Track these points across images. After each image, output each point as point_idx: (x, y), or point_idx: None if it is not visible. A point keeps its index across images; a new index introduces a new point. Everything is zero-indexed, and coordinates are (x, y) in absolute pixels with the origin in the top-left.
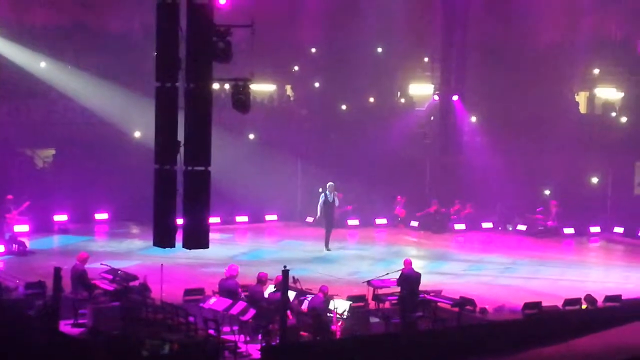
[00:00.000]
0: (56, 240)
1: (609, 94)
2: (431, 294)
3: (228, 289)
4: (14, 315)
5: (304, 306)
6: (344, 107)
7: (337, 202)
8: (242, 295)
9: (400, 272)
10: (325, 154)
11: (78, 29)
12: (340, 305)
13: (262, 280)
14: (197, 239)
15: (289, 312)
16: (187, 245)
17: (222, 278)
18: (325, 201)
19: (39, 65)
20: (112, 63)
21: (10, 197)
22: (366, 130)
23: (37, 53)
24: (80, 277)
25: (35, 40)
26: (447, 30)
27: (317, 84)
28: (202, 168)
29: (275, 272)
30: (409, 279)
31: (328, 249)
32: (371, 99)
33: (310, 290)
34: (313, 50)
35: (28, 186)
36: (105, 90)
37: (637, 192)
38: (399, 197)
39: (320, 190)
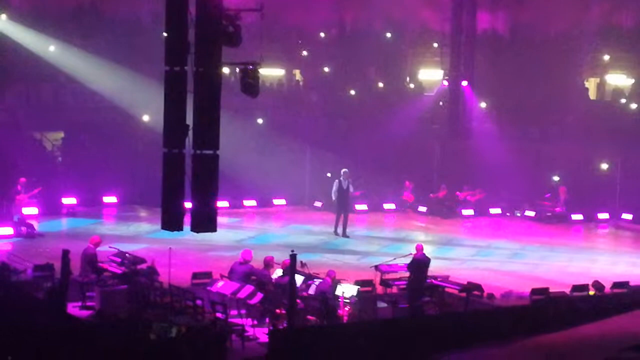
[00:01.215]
0: (65, 223)
1: (619, 80)
2: (439, 279)
3: (244, 273)
4: (22, 297)
5: (312, 290)
6: (353, 92)
7: (351, 189)
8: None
9: (411, 256)
10: (334, 138)
11: (87, 13)
12: (347, 290)
13: (268, 264)
14: (205, 222)
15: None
16: (195, 229)
17: (236, 262)
18: (340, 188)
19: (48, 48)
20: (121, 47)
21: (23, 179)
22: (375, 115)
23: (46, 37)
24: (91, 260)
25: (45, 24)
26: (457, 16)
27: (326, 69)
28: (211, 152)
29: (282, 256)
30: (420, 264)
31: (337, 234)
32: (380, 84)
33: (318, 274)
34: (322, 35)
35: (37, 169)
36: (114, 74)
37: None
38: (407, 182)
39: (329, 175)
